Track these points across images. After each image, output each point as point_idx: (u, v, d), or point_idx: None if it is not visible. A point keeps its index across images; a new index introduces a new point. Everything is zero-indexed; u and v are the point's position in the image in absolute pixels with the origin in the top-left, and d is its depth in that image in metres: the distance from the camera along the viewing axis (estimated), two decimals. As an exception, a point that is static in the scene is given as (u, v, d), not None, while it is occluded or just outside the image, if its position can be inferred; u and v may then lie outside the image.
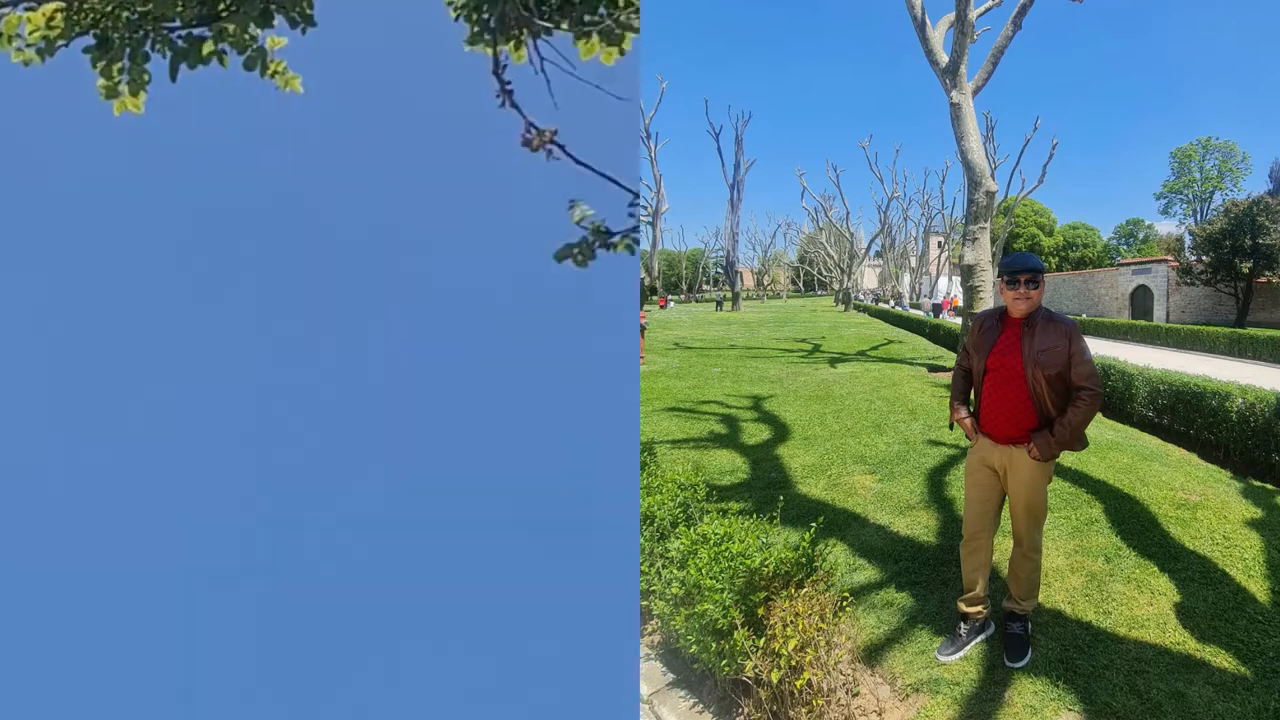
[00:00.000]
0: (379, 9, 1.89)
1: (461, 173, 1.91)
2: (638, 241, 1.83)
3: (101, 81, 1.79)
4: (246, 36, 1.81)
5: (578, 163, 1.77)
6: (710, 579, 2.77)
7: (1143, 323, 25.75)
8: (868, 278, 75.88)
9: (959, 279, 11.45)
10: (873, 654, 3.01)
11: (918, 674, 2.84)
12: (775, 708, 2.53)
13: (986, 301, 10.60)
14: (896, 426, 7.01)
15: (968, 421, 3.01)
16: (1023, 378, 2.77)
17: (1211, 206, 50.90)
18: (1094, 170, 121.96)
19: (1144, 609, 3.23)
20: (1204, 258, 26.60)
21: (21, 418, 1.83)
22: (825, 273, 70.46)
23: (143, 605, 1.85)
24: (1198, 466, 5.75)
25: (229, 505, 1.91)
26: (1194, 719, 2.52)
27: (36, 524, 1.82)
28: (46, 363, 1.85)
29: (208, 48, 1.81)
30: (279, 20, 1.81)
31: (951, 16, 11.20)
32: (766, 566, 2.77)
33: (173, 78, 1.81)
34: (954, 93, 10.97)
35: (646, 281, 47.48)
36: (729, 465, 5.82)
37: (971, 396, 3.08)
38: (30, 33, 1.76)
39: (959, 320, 15.27)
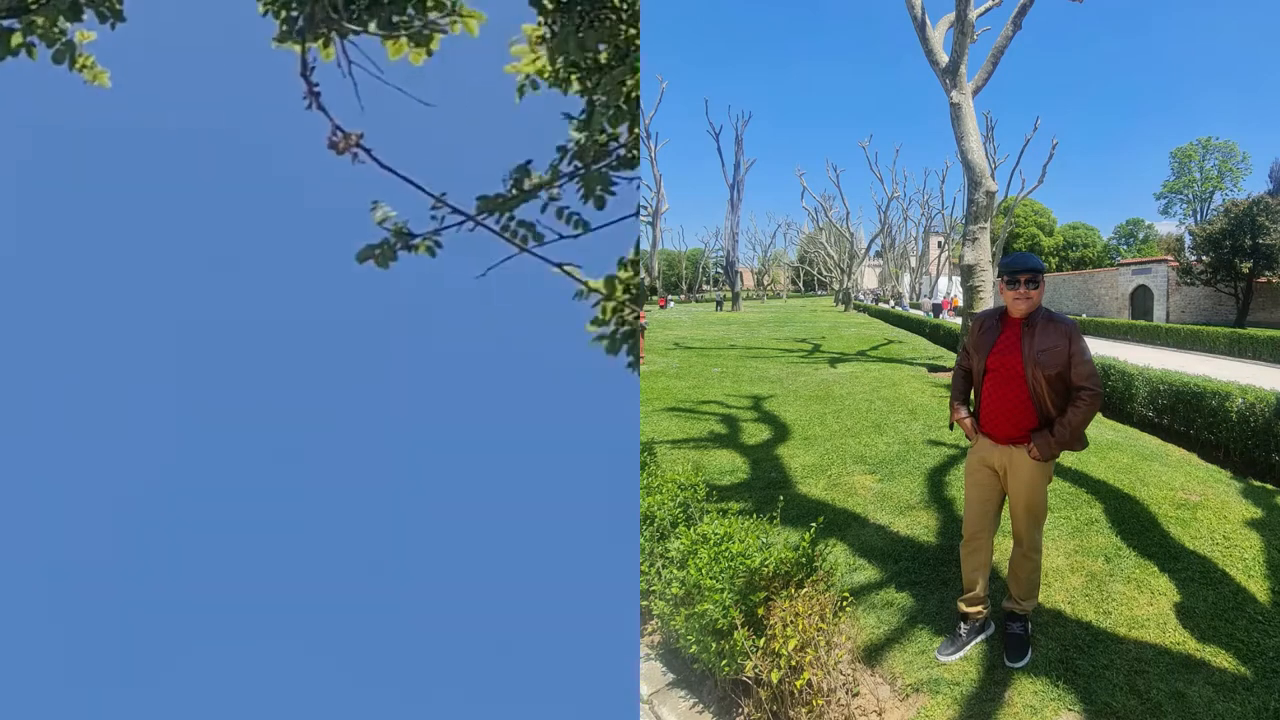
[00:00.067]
0: (189, 4, 1.88)
1: (274, 171, 1.91)
2: (439, 244, 1.83)
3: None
4: (55, 30, 1.81)
5: (383, 166, 1.77)
6: (710, 579, 2.77)
7: (1143, 323, 25.75)
8: (868, 278, 75.90)
9: (959, 279, 11.45)
10: (873, 654, 3.01)
11: (918, 674, 2.84)
12: (775, 708, 2.53)
13: (986, 301, 10.60)
14: (896, 426, 7.01)
15: (968, 421, 3.01)
16: (1023, 378, 2.77)
17: (1211, 206, 50.93)
18: (1094, 170, 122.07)
19: (1144, 609, 3.23)
20: (1204, 258, 26.61)
21: None
22: (825, 273, 70.48)
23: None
24: (1198, 466, 5.75)
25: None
26: (1194, 719, 2.52)
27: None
28: None
29: (16, 40, 1.80)
30: (88, 14, 1.81)
31: (951, 16, 11.20)
32: (766, 566, 2.77)
33: None
34: (954, 93, 10.97)
35: (646, 282, 47.50)
36: (729, 465, 5.82)
37: (971, 396, 3.08)
38: None
39: (959, 320, 15.27)
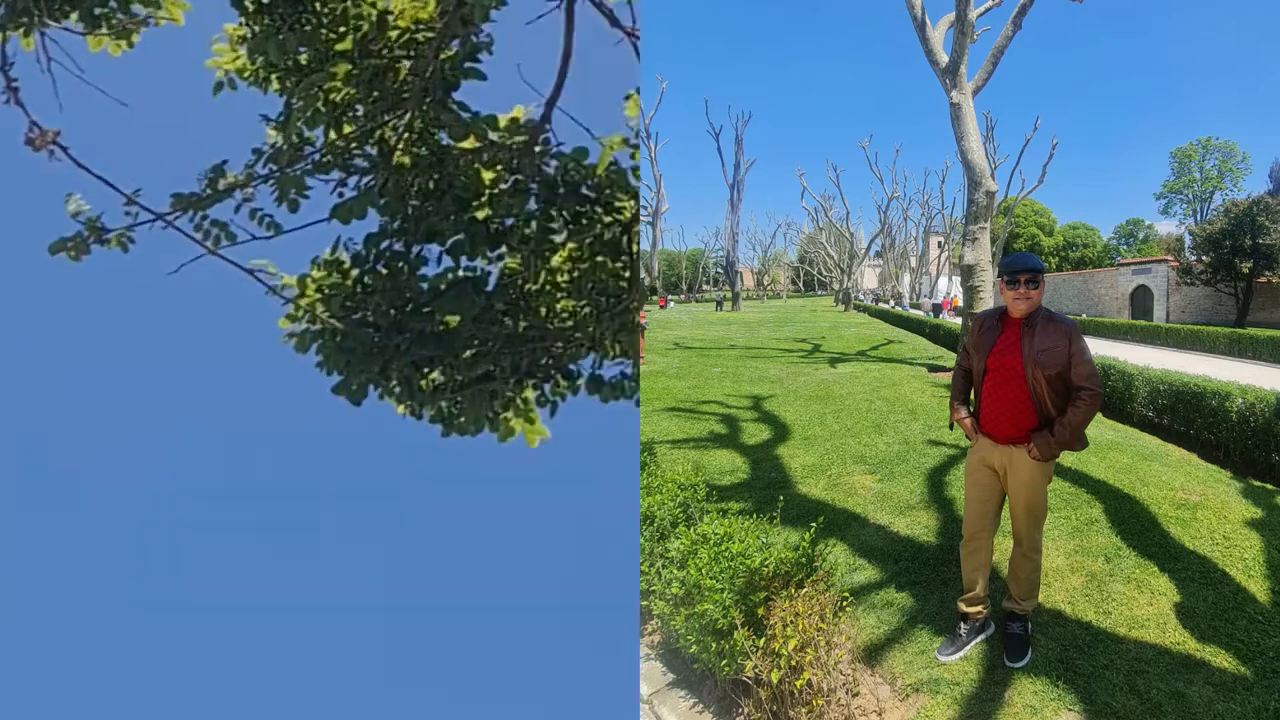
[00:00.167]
0: None
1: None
2: (132, 239, 1.84)
3: None
4: None
5: (79, 165, 1.78)
6: (710, 579, 2.77)
7: (1143, 323, 25.75)
8: (868, 278, 75.87)
9: (959, 279, 11.45)
10: (873, 654, 3.01)
11: (918, 674, 2.84)
12: (775, 708, 2.53)
13: (986, 301, 10.60)
14: (896, 426, 7.01)
15: (968, 421, 3.01)
16: (1023, 378, 2.77)
17: (1211, 206, 50.91)
18: (1094, 170, 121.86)
19: (1144, 609, 3.23)
20: (1204, 258, 26.60)
21: None
22: (825, 273, 70.47)
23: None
24: (1198, 466, 5.75)
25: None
26: (1194, 719, 2.52)
27: None
28: None
29: None
30: None
31: (951, 16, 11.20)
32: (766, 566, 2.77)
33: None
34: (954, 93, 10.97)
35: (646, 282, 47.50)
36: (729, 465, 5.82)
37: (971, 396, 3.08)
38: None
39: (959, 320, 15.27)
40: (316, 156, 1.91)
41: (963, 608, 3.01)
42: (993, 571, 3.17)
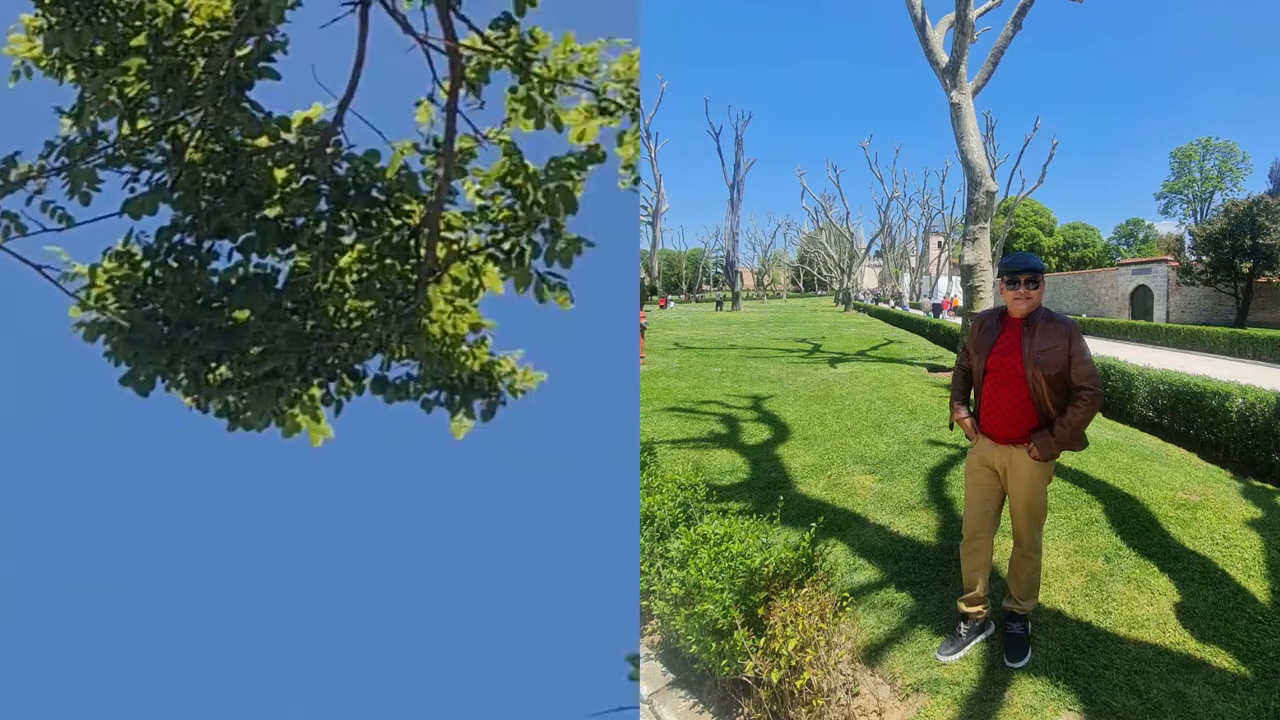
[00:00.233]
0: None
1: None
2: None
3: None
4: None
5: None
6: (710, 579, 2.77)
7: (1143, 323, 25.76)
8: (868, 278, 75.85)
9: (959, 279, 11.45)
10: (873, 654, 3.01)
11: (918, 674, 2.84)
12: (775, 708, 2.53)
13: (986, 301, 10.60)
14: (896, 426, 7.01)
15: (968, 421, 3.01)
16: (1023, 378, 2.77)
17: (1211, 206, 50.89)
18: (1094, 170, 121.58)
19: (1144, 609, 3.23)
20: (1204, 258, 26.60)
21: None
22: (825, 273, 70.47)
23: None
24: (1198, 466, 5.75)
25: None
26: (1194, 719, 2.52)
27: None
28: None
29: None
30: None
31: (951, 16, 11.20)
32: (766, 566, 2.77)
33: None
34: (954, 93, 10.97)
35: (646, 281, 47.50)
36: (729, 465, 5.82)
37: (971, 396, 3.08)
38: None
39: (959, 320, 15.27)
40: (110, 150, 1.91)
41: (963, 608, 3.01)
42: (993, 571, 3.17)
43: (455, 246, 2.07)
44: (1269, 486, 5.12)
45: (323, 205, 1.99)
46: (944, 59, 11.18)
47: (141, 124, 1.92)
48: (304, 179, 1.98)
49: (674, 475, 4.01)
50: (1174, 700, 2.60)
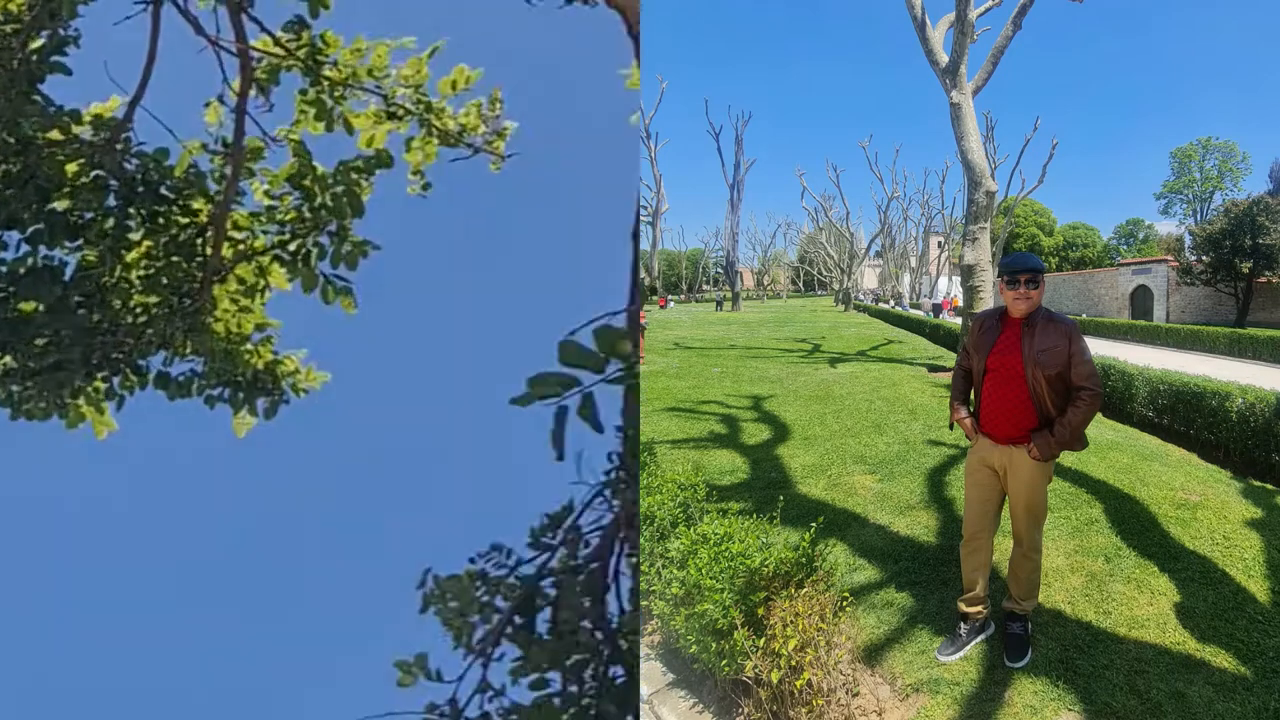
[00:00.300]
0: None
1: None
2: None
3: None
4: None
5: None
6: (710, 579, 2.77)
7: (1143, 323, 25.75)
8: (868, 278, 75.86)
9: (959, 279, 11.45)
10: (873, 654, 3.01)
11: (918, 674, 2.84)
12: (775, 708, 2.53)
13: (986, 301, 10.60)
14: (896, 426, 7.01)
15: (968, 421, 3.01)
16: (1023, 378, 2.77)
17: (1211, 206, 50.91)
18: (1094, 170, 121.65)
19: (1144, 609, 3.23)
20: (1204, 258, 26.60)
21: None
22: (825, 273, 70.47)
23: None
24: (1198, 466, 5.75)
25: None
26: (1194, 719, 2.52)
27: None
28: None
29: None
30: None
31: (951, 16, 11.20)
32: (766, 566, 2.77)
33: None
34: (954, 93, 10.97)
35: (646, 281, 47.49)
36: (729, 465, 5.82)
37: (971, 396, 3.08)
38: None
39: (959, 320, 15.28)
40: None
41: (963, 608, 3.01)
42: (993, 571, 3.17)
43: (241, 246, 2.09)
44: (1269, 486, 5.12)
45: (111, 200, 2.00)
46: (944, 59, 11.18)
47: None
48: (94, 174, 1.99)
49: (674, 475, 4.01)
50: (1174, 700, 2.60)
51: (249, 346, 2.19)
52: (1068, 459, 5.21)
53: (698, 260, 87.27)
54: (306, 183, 2.07)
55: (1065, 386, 2.77)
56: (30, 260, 1.97)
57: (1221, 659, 2.84)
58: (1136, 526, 4.16)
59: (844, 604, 2.79)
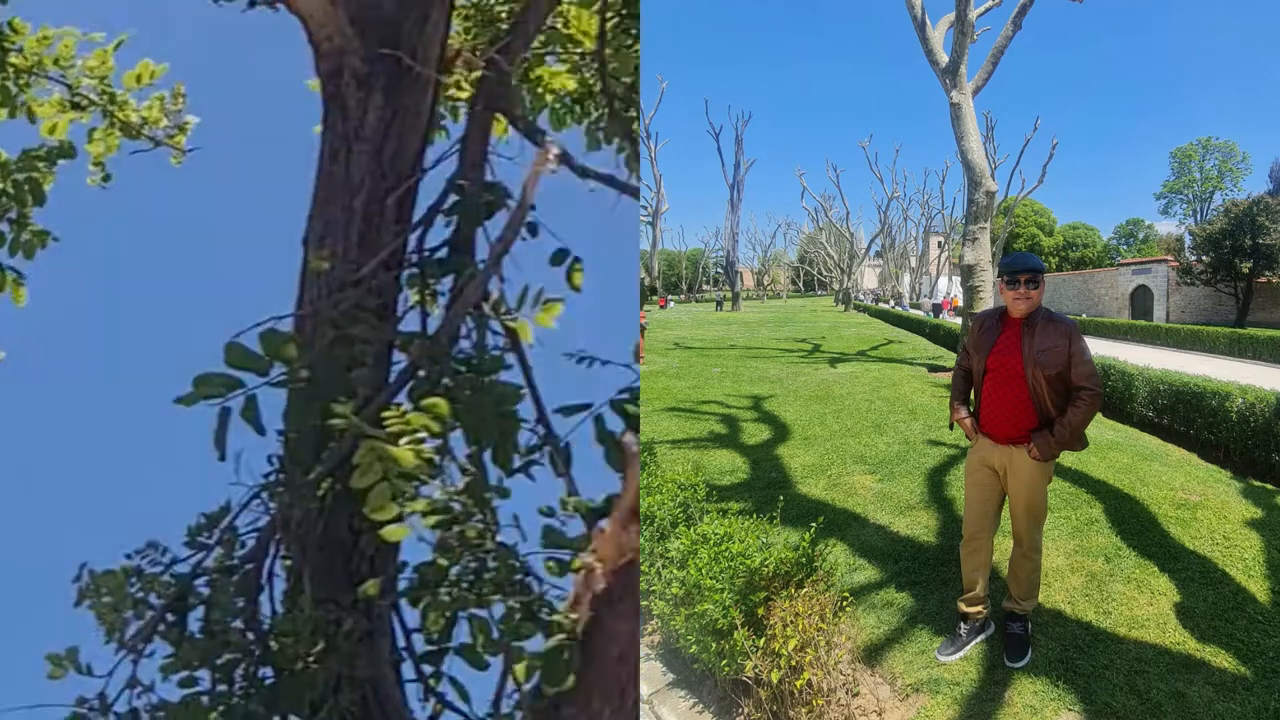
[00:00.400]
0: None
1: None
2: None
3: None
4: None
5: None
6: (710, 579, 2.77)
7: (1143, 323, 25.74)
8: (868, 278, 75.84)
9: (959, 279, 11.45)
10: (873, 654, 3.01)
11: (918, 674, 2.84)
12: (775, 708, 2.53)
13: (986, 301, 10.60)
14: (896, 426, 7.01)
15: (968, 421, 3.01)
16: (1023, 378, 2.77)
17: (1211, 206, 50.88)
18: (1094, 170, 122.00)
19: (1144, 609, 3.23)
20: (1204, 258, 26.60)
21: None
22: (825, 273, 70.45)
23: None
24: (1198, 466, 5.75)
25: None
26: (1194, 719, 2.52)
27: None
28: None
29: None
30: None
31: (951, 16, 11.19)
32: (766, 566, 2.77)
33: None
34: (954, 93, 10.97)
35: (646, 281, 47.49)
36: (729, 465, 5.82)
37: (971, 396, 3.08)
38: None
39: (959, 320, 15.28)
40: None
41: (963, 608, 3.01)
42: (993, 571, 3.17)
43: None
44: (1269, 486, 5.12)
45: None
46: (944, 59, 11.18)
47: None
48: None
49: (674, 475, 4.01)
50: (1174, 700, 2.60)
51: None
52: (1068, 459, 5.21)
53: (698, 260, 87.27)
54: None
55: (1065, 386, 2.76)
56: None
57: (1221, 659, 2.84)
58: (1136, 526, 4.16)
59: (844, 604, 2.79)
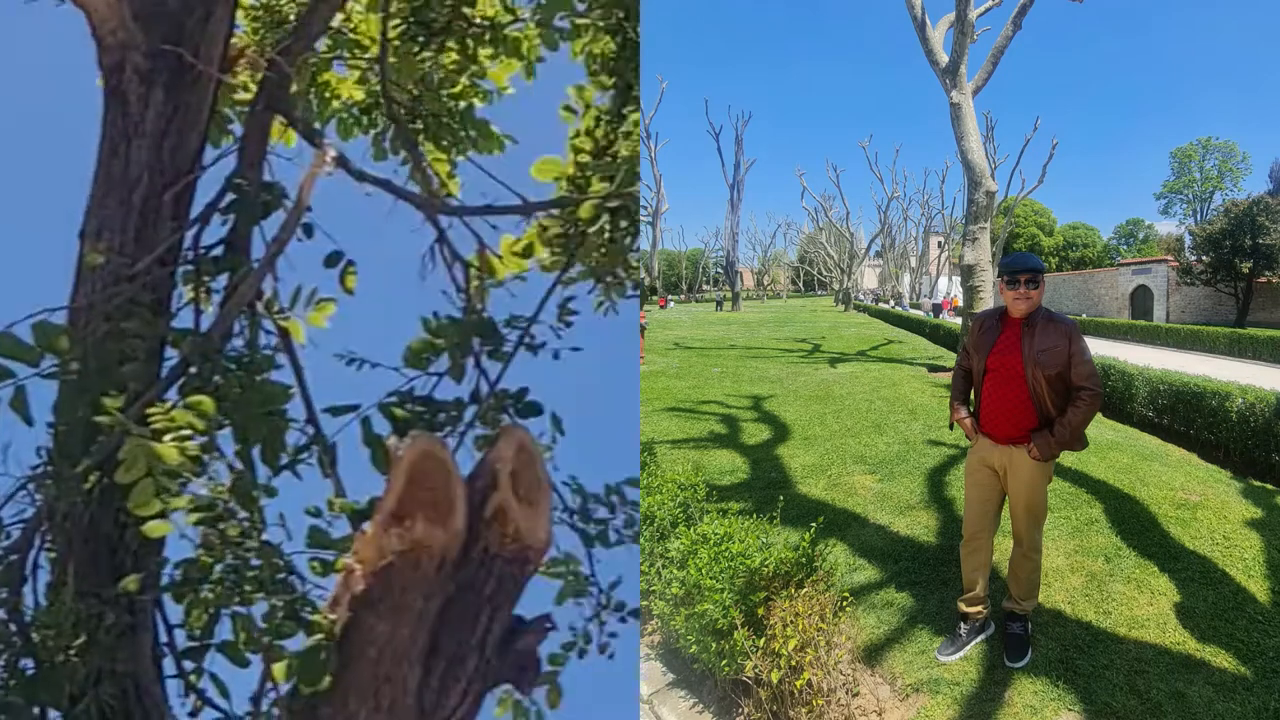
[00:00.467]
0: None
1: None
2: None
3: None
4: None
5: None
6: (710, 579, 2.77)
7: (1143, 323, 25.75)
8: (868, 278, 75.84)
9: (959, 279, 11.45)
10: (873, 654, 3.01)
11: (918, 674, 2.84)
12: (775, 708, 2.53)
13: (986, 301, 10.60)
14: (896, 426, 7.01)
15: (968, 421, 3.01)
16: (1023, 378, 2.77)
17: (1211, 206, 50.88)
18: (1094, 170, 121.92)
19: (1144, 609, 3.23)
20: (1204, 258, 26.60)
21: None
22: (825, 273, 70.46)
23: None
24: (1198, 466, 5.75)
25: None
26: (1194, 719, 2.52)
27: None
28: None
29: None
30: None
31: (951, 16, 11.20)
32: (766, 566, 2.77)
33: None
34: (954, 93, 10.97)
35: (647, 281, 47.52)
36: (729, 465, 5.82)
37: (971, 396, 3.08)
38: None
39: (959, 320, 15.28)
40: None
41: (963, 608, 3.01)
42: (993, 571, 3.17)
43: None
44: (1269, 486, 5.12)
45: None
46: (944, 59, 11.18)
47: None
48: None
49: (674, 475, 4.01)
50: (1174, 700, 2.60)
51: None
52: (1068, 459, 5.21)
53: (698, 260, 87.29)
54: None
55: (1065, 386, 2.77)
56: None
57: (1221, 659, 2.84)
58: (1136, 526, 4.16)
59: (844, 604, 2.79)
